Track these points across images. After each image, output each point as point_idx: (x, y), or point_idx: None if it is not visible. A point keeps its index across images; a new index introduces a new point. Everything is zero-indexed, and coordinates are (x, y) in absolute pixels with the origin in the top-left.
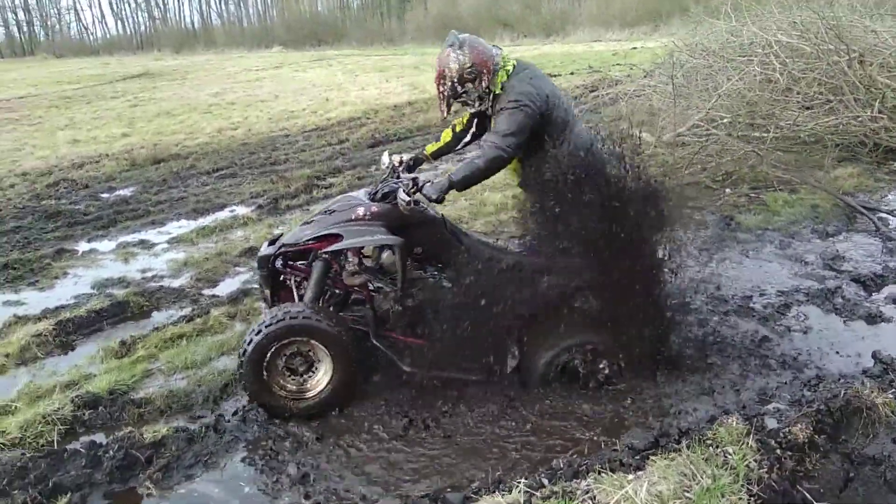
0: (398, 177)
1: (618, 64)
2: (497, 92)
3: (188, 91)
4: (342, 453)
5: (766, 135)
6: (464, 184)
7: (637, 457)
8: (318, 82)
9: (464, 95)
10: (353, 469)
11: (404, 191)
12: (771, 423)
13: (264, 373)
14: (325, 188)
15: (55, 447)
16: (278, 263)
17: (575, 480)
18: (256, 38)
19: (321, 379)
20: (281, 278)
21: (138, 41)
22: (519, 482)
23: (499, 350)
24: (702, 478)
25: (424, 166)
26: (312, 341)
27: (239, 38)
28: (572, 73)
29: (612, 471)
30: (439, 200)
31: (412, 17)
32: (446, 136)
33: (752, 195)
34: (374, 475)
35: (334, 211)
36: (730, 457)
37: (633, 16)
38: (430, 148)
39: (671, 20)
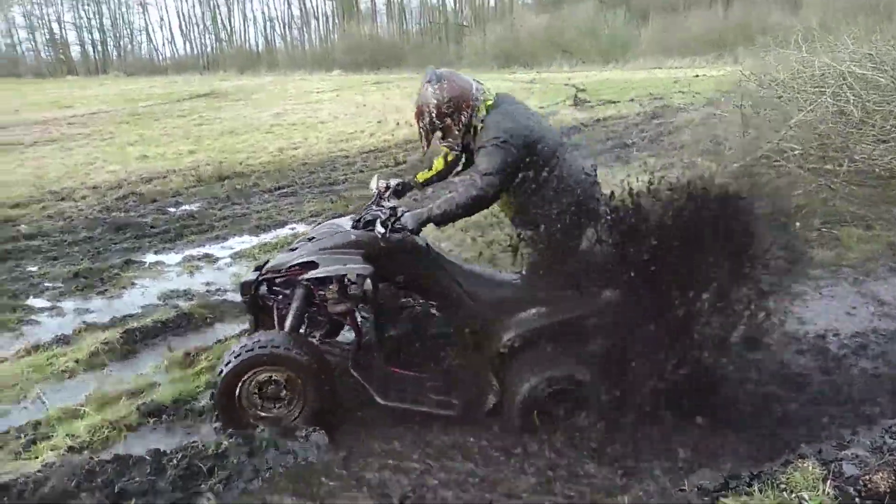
0: (382, 204)
1: (680, 91)
2: (477, 126)
3: (251, 111)
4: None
5: (839, 168)
6: (443, 219)
7: (706, 498)
8: (376, 105)
9: (447, 136)
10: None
11: (381, 222)
12: (850, 470)
13: (237, 404)
14: None
15: (121, 453)
16: (262, 290)
17: None
18: (317, 61)
19: (294, 407)
20: (272, 304)
21: (205, 62)
22: None
23: (478, 386)
24: None
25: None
26: (283, 370)
27: (301, 60)
28: (632, 100)
29: None
30: (416, 231)
31: (470, 43)
32: (438, 164)
33: (825, 230)
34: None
35: (315, 238)
36: (805, 502)
37: (696, 44)
38: (422, 176)
39: (735, 49)
